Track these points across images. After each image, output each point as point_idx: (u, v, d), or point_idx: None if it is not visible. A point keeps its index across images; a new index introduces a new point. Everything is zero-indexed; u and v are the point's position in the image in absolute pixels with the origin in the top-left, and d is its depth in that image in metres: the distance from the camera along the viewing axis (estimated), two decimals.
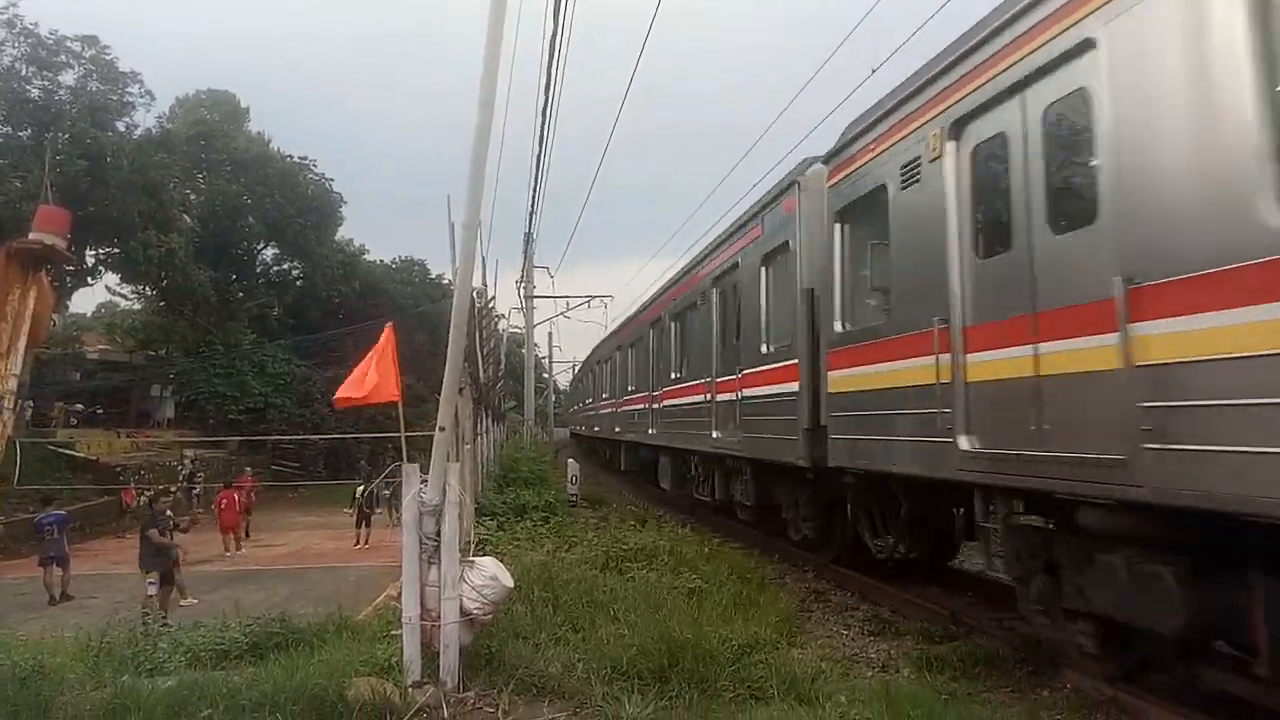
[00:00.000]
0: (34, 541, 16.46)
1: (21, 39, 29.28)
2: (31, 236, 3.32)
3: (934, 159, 6.26)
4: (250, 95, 51.89)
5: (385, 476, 25.53)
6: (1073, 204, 5.09)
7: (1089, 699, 5.53)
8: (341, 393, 6.87)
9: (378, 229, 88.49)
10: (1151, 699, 5.23)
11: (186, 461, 31.91)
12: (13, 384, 3.27)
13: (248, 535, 21.01)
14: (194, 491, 27.77)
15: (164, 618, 10.03)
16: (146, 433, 37.19)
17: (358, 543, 21.12)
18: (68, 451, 28.92)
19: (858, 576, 9.31)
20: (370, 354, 6.91)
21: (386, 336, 6.89)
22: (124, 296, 43.74)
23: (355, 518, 22.12)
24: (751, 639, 6.18)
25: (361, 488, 22.63)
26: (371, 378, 6.60)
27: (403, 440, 8.31)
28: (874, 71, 11.05)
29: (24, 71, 29.56)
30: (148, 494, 21.03)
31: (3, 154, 28.19)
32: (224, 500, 21.19)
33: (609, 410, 25.13)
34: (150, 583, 12.57)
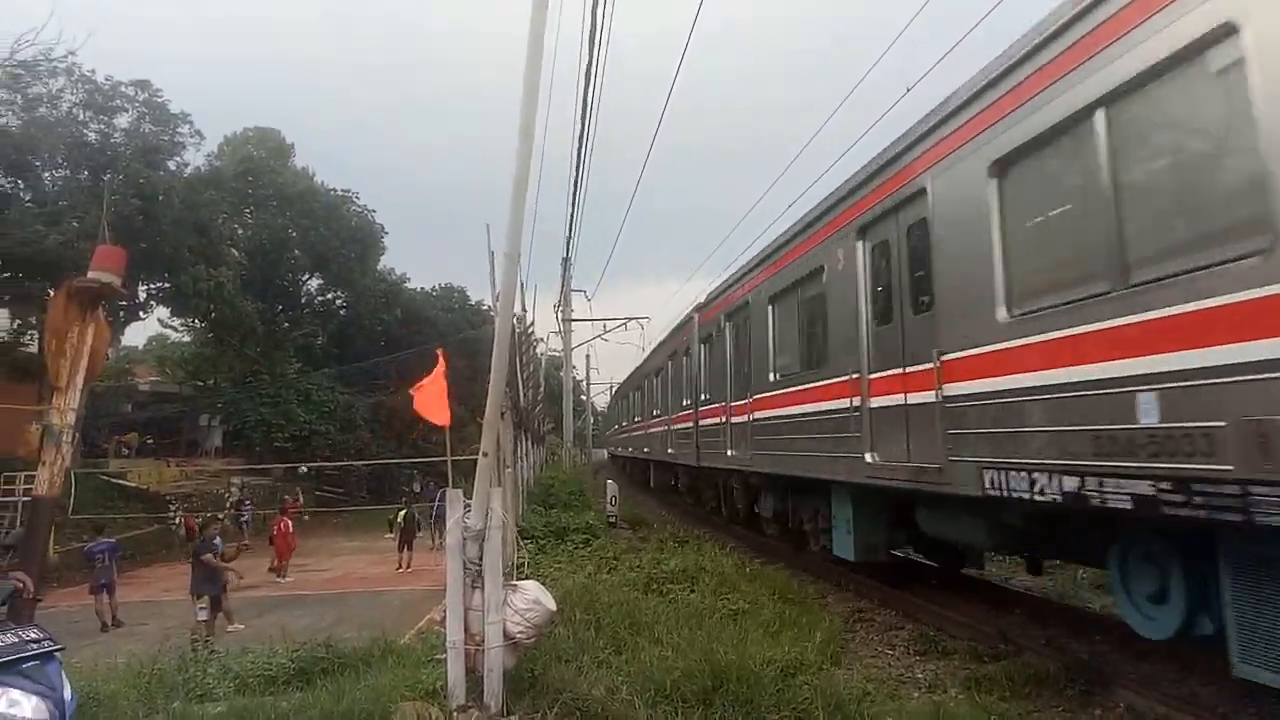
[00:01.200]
0: (85, 569, 16.86)
1: (79, 85, 30.44)
2: (90, 275, 3.47)
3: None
4: (293, 129, 53.26)
5: (426, 499, 25.75)
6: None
7: (1142, 718, 5.36)
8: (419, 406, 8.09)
9: (418, 254, 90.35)
10: (1205, 716, 5.06)
11: (234, 489, 32.59)
12: (71, 418, 3.40)
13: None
14: (242, 519, 28.27)
15: (210, 643, 10.21)
16: (195, 461, 38.11)
17: (400, 566, 21.33)
18: (119, 481, 29.74)
19: (902, 594, 9.16)
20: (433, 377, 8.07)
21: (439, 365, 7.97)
22: (174, 329, 45.05)
23: (397, 542, 22.39)
24: (796, 660, 6.10)
25: (404, 512, 22.91)
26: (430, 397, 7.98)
27: (449, 465, 8.45)
28: (909, 90, 11.01)
29: (81, 116, 30.70)
30: (198, 520, 21.51)
31: (63, 196, 29.25)
32: (277, 526, 21.55)
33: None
34: (201, 608, 12.81)
